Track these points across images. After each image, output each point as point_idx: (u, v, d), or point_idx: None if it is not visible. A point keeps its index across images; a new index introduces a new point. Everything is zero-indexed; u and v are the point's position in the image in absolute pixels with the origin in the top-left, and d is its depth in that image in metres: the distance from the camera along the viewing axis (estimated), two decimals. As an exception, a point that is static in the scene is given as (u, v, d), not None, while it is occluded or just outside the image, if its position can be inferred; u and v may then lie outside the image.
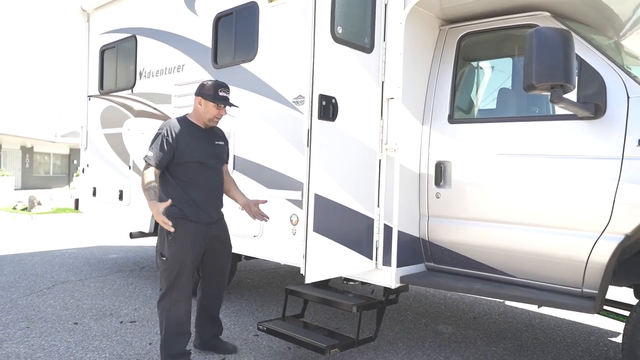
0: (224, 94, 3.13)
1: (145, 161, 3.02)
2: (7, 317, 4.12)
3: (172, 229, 2.89)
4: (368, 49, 3.10)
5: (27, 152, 28.17)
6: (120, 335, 3.74)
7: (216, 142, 3.26)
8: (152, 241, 8.61)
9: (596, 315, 4.51)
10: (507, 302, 4.97)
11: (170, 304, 3.01)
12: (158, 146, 3.01)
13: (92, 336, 3.71)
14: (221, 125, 4.35)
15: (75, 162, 30.91)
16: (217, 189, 3.23)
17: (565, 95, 2.39)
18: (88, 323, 4.02)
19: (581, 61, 2.70)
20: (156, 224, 5.24)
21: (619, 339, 3.94)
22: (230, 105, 3.19)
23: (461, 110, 3.34)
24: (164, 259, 3.03)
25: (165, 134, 3.03)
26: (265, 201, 3.35)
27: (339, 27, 2.90)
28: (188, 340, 3.13)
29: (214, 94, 3.09)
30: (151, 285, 5.34)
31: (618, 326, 4.25)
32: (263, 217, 3.28)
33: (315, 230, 2.83)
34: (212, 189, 3.18)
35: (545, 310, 4.70)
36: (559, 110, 2.87)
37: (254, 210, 3.28)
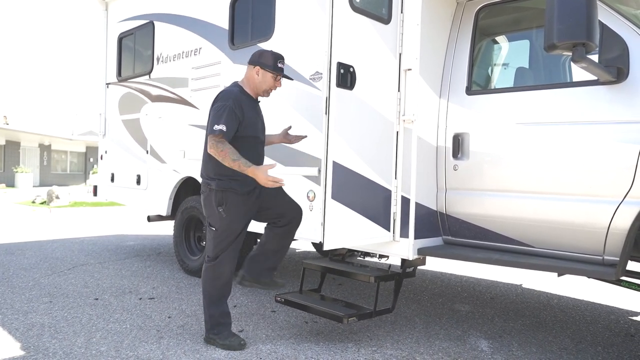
0: (282, 66, 3.09)
1: (220, 134, 2.83)
2: (30, 293, 4.21)
3: (283, 183, 2.87)
4: (386, 19, 3.11)
5: (45, 149, 28.66)
6: (140, 310, 3.80)
7: (261, 114, 3.21)
8: (169, 230, 8.71)
9: (614, 296, 4.47)
10: (524, 285, 4.93)
11: (217, 270, 3.04)
12: (229, 118, 2.86)
13: (112, 310, 3.78)
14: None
15: (91, 159, 31.36)
16: (262, 160, 3.20)
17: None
18: (108, 299, 4.09)
19: (603, 26, 2.67)
20: (174, 207, 5.32)
21: (639, 318, 3.89)
22: (286, 77, 3.16)
23: (479, 82, 3.33)
24: (214, 229, 3.04)
25: (233, 106, 2.90)
26: (290, 126, 3.44)
27: (356, -4, 2.91)
28: (228, 298, 3.15)
29: (274, 64, 3.03)
30: (168, 268, 5.40)
31: (637, 306, 4.20)
32: (300, 137, 3.41)
33: (334, 197, 2.84)
34: (260, 162, 3.13)
35: (564, 292, 4.65)
36: (578, 77, 2.84)
37: (290, 138, 3.41)
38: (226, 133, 2.85)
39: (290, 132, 3.48)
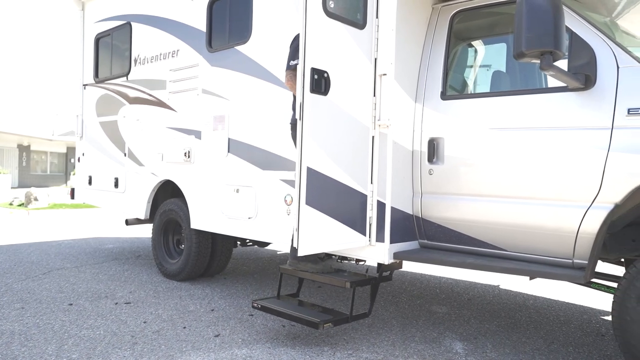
0: None
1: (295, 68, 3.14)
2: (1, 299, 4.12)
3: None
4: (360, 24, 3.11)
5: (24, 150, 28.11)
6: (115, 315, 3.75)
7: None
8: (148, 232, 8.61)
9: (588, 296, 4.56)
10: (502, 286, 4.99)
11: None
12: None
13: (86, 316, 3.72)
14: (214, 108, 4.39)
15: (72, 160, 30.85)
16: None
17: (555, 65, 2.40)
18: (83, 304, 4.03)
19: (571, 33, 2.72)
20: (152, 210, 5.27)
21: (610, 317, 3.96)
22: None
23: (453, 87, 3.36)
24: None
25: None
26: None
27: (330, 2, 2.92)
28: None
29: None
30: (147, 272, 5.34)
31: (609, 305, 4.28)
32: None
33: (308, 203, 2.84)
34: None
35: (539, 292, 4.72)
36: (550, 83, 2.89)
37: None
38: None
39: (267, 133, 3.58)
